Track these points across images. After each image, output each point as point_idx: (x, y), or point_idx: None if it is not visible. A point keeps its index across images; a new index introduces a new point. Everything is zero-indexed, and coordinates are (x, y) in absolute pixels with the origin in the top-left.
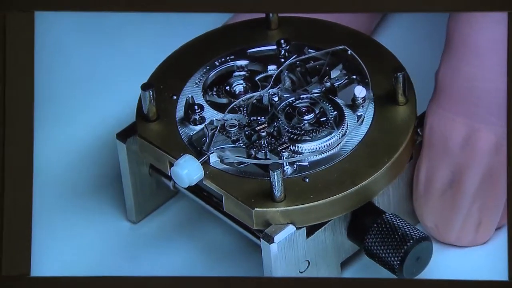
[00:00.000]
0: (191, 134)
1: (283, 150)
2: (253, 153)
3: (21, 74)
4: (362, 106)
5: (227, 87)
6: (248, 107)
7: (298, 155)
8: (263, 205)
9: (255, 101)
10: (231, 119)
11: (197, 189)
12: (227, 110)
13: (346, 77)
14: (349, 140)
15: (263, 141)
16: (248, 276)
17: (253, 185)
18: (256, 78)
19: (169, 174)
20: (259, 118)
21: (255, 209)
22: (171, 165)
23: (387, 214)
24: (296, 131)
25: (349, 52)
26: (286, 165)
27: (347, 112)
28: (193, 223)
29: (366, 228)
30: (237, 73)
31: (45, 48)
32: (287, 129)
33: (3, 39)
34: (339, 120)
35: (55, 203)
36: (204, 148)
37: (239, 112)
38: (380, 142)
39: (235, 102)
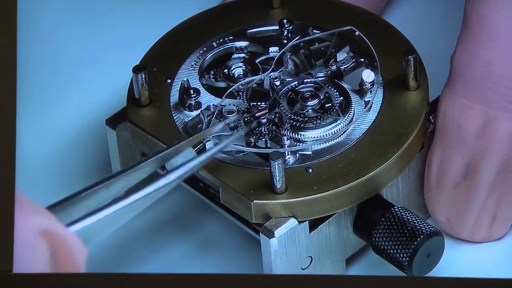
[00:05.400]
0: (186, 120)
1: (285, 138)
2: (253, 141)
3: (1, 53)
4: (370, 91)
5: (225, 70)
6: (248, 92)
7: (301, 144)
8: (262, 197)
9: (255, 85)
10: (229, 104)
11: (192, 180)
12: (225, 95)
13: (353, 60)
14: (355, 127)
15: (263, 129)
16: (246, 273)
17: (252, 175)
18: (257, 61)
19: None
20: (259, 103)
21: (254, 201)
22: None
23: (395, 207)
24: (299, 118)
25: (356, 33)
26: (288, 154)
27: (354, 97)
28: (188, 216)
29: (373, 222)
30: (236, 55)
31: (29, 26)
32: (289, 115)
33: None
34: (345, 106)
35: (40, 193)
36: None
37: (238, 97)
38: (389, 130)
39: (233, 87)
